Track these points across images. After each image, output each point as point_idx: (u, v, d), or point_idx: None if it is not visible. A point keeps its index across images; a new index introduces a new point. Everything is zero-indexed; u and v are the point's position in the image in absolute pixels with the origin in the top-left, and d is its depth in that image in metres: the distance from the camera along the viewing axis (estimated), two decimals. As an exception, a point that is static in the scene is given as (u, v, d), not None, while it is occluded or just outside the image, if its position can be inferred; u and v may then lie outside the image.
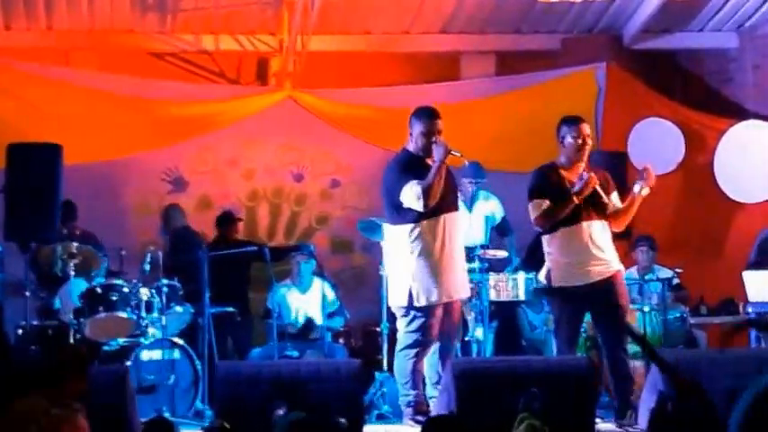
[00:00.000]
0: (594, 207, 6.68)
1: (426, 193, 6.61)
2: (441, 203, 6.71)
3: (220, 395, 6.25)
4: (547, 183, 6.71)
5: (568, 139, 6.74)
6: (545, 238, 6.77)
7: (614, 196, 6.82)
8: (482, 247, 8.00)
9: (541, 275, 6.82)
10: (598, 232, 6.67)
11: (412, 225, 6.72)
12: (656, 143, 9.98)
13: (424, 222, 6.71)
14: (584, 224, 6.62)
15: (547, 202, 6.61)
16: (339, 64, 10.75)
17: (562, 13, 10.29)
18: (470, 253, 7.87)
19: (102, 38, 10.20)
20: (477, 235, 8.22)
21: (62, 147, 8.00)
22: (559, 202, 6.61)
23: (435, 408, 6.68)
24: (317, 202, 10.39)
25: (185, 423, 7.15)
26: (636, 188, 6.72)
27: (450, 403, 6.31)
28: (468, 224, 8.12)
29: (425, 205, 6.63)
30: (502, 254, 8.14)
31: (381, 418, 7.39)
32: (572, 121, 6.84)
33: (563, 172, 6.73)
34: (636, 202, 6.74)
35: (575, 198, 6.57)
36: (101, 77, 10.15)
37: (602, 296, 6.65)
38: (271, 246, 9.17)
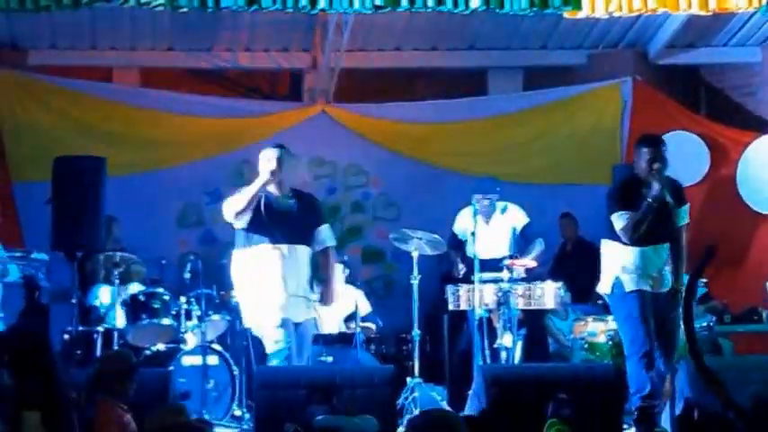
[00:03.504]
0: (667, 227, 6.69)
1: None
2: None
3: (259, 399, 6.34)
4: (627, 194, 6.64)
5: (642, 162, 6.62)
6: (612, 248, 6.70)
7: (686, 210, 6.79)
8: (510, 257, 8.02)
9: (606, 284, 6.74)
10: (664, 255, 6.69)
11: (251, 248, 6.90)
12: (681, 156, 9.93)
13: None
14: (659, 245, 6.64)
15: (626, 213, 6.54)
16: (370, 80, 10.85)
17: (588, 28, 10.32)
18: (498, 263, 7.92)
19: (144, 56, 10.36)
20: (502, 246, 8.23)
21: (106, 160, 8.13)
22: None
23: (467, 412, 6.74)
24: (350, 214, 10.47)
25: (223, 426, 7.26)
26: None
27: (480, 408, 6.37)
28: (487, 238, 8.16)
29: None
30: (531, 264, 8.16)
31: (413, 423, 7.44)
32: (648, 142, 6.75)
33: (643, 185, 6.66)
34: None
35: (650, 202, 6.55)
36: (142, 94, 10.31)
37: (662, 307, 6.64)
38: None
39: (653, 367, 6.54)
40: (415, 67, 10.84)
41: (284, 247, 6.84)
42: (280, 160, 6.91)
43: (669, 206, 6.65)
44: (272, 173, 6.86)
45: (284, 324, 6.78)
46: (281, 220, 6.87)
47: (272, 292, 6.79)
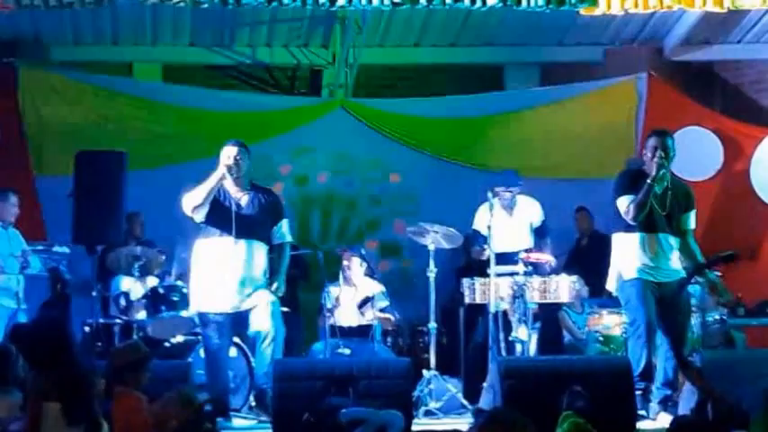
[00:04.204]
0: (671, 224, 6.80)
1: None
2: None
3: (277, 390, 6.32)
4: (631, 182, 6.81)
5: (647, 153, 6.80)
6: (619, 239, 6.86)
7: (692, 215, 6.92)
8: (526, 250, 7.97)
9: (612, 279, 6.91)
10: (671, 245, 6.80)
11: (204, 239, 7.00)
12: (696, 151, 9.92)
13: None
14: (661, 235, 6.76)
15: (631, 196, 6.74)
16: (389, 75, 10.83)
17: (604, 25, 10.26)
18: (513, 257, 7.87)
19: (164, 51, 10.35)
20: (520, 239, 8.19)
21: (126, 154, 8.12)
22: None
23: (482, 405, 6.71)
24: (367, 208, 10.44)
25: (241, 417, 7.24)
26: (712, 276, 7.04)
27: (495, 400, 6.34)
28: (509, 229, 8.15)
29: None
30: (546, 257, 8.11)
31: (429, 414, 7.41)
32: (656, 134, 6.95)
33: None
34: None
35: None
36: (163, 89, 10.32)
37: (667, 299, 6.74)
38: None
39: (651, 343, 6.71)
40: (432, 63, 10.80)
41: (230, 240, 6.94)
42: (237, 157, 6.99)
43: (668, 194, 6.77)
44: (229, 168, 6.96)
45: (218, 319, 6.91)
46: (232, 216, 6.95)
47: (211, 283, 6.92)
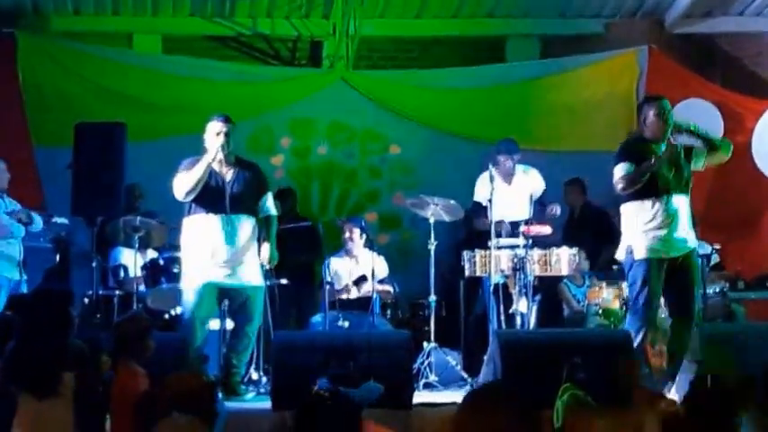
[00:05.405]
0: (679, 181, 6.65)
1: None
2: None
3: (277, 363, 6.27)
4: (633, 150, 6.69)
5: (651, 118, 6.66)
6: (629, 209, 6.68)
7: (701, 157, 6.83)
8: (526, 222, 7.90)
9: (621, 250, 6.72)
10: (682, 206, 6.64)
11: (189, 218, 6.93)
12: (696, 123, 9.82)
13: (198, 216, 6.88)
14: (673, 197, 6.59)
15: (628, 165, 6.57)
16: (389, 47, 10.74)
17: (606, -3, 10.21)
18: (514, 228, 7.80)
19: (165, 22, 10.25)
20: (521, 210, 8.11)
21: (126, 125, 8.03)
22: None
23: (482, 377, 6.67)
24: (367, 180, 10.37)
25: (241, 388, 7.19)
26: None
27: (495, 373, 6.30)
28: (509, 199, 8.07)
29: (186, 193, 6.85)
30: (546, 230, 8.04)
31: (428, 387, 7.38)
32: (653, 100, 6.86)
33: (651, 145, 6.68)
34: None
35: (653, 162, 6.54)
36: (163, 60, 10.22)
37: (679, 271, 6.61)
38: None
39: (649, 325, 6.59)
40: (433, 35, 10.72)
41: (216, 217, 6.85)
42: (228, 134, 6.87)
43: (681, 158, 6.64)
44: (222, 147, 6.83)
45: (200, 289, 6.80)
46: (218, 193, 6.87)
47: (198, 259, 6.85)
